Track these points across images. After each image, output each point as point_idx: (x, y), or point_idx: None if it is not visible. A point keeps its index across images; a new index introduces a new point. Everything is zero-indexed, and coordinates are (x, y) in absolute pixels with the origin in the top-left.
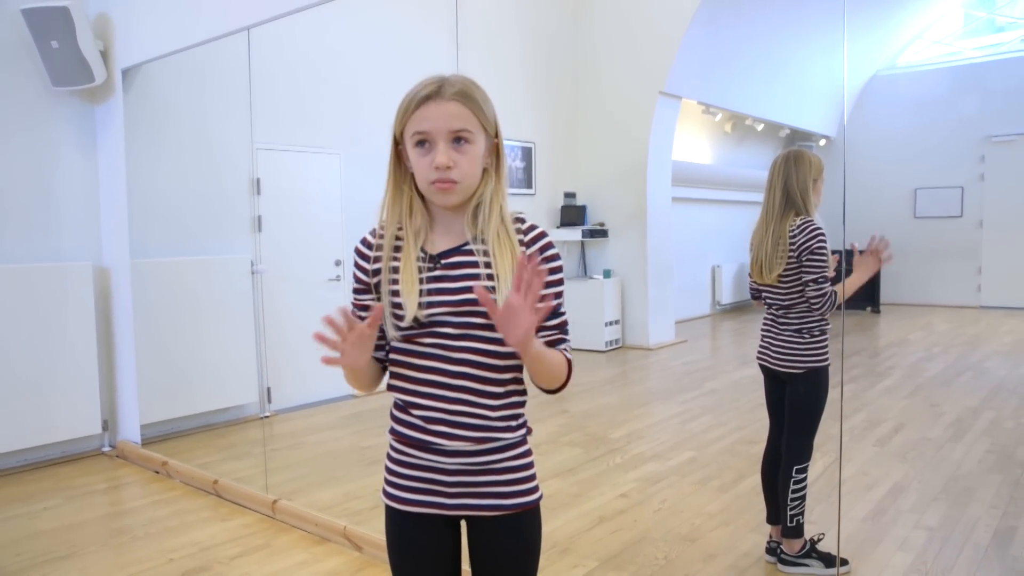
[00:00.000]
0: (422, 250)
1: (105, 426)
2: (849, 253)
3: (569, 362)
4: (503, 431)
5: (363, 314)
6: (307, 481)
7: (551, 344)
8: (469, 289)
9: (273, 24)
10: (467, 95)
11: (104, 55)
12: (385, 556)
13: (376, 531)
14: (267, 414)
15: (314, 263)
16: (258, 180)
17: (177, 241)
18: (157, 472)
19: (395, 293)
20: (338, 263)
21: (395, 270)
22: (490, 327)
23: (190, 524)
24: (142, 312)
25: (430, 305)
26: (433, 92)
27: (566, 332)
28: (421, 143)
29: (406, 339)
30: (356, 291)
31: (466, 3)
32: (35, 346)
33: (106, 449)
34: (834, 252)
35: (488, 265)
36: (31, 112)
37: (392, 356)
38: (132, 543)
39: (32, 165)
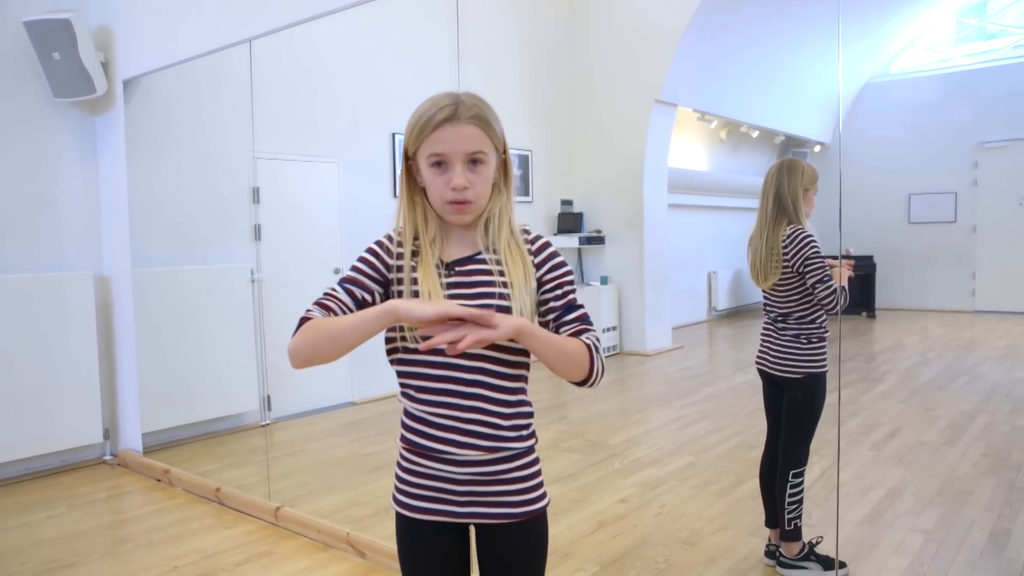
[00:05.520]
0: (438, 258)
1: (106, 435)
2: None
3: (590, 348)
4: (513, 440)
5: (352, 287)
6: (308, 488)
7: (575, 335)
8: (485, 295)
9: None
10: (482, 118)
11: (105, 66)
12: (389, 562)
13: (380, 537)
14: (267, 422)
15: (313, 271)
16: (257, 189)
17: (177, 250)
18: (159, 480)
19: (416, 295)
20: (337, 271)
21: (414, 281)
22: None
23: (193, 532)
24: (143, 321)
25: None
26: (450, 115)
27: (588, 322)
28: (437, 163)
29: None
30: (361, 272)
31: (464, 13)
32: (36, 355)
33: (107, 458)
34: (831, 257)
35: (502, 274)
36: (32, 122)
37: (402, 366)
38: (136, 551)
39: (33, 175)
